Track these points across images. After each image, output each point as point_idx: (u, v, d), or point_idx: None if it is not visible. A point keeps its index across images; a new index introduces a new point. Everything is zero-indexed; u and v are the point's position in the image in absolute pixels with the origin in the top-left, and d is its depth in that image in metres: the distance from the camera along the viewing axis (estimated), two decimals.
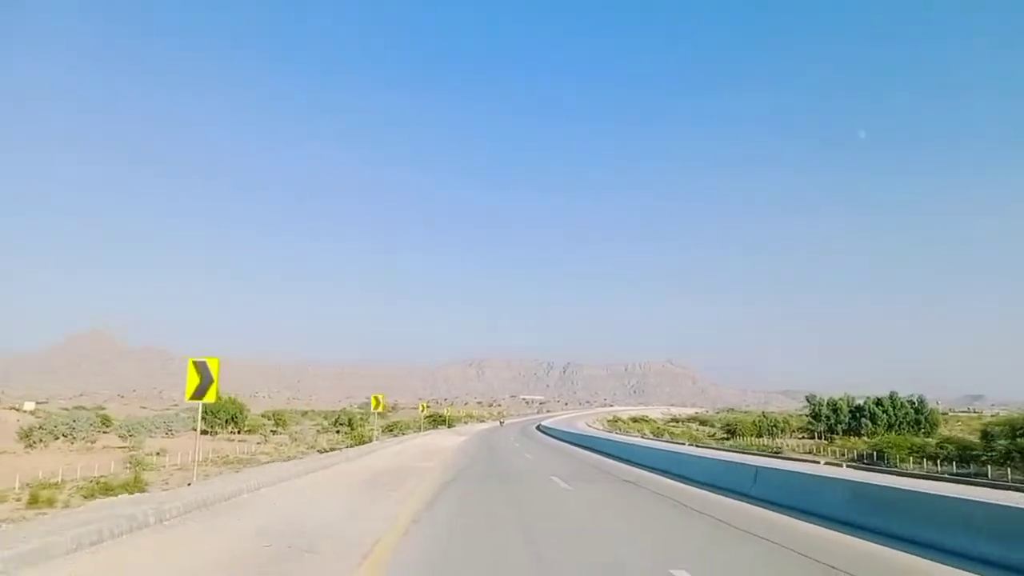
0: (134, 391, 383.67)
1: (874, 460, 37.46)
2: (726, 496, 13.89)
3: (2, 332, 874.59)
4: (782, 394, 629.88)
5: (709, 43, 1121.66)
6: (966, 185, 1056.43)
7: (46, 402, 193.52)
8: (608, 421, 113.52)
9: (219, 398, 79.30)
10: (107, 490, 22.00)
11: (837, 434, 65.29)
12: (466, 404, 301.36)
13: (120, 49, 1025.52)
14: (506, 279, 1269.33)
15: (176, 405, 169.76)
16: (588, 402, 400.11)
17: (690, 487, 15.75)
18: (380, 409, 35.89)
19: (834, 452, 46.56)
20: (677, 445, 36.71)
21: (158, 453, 42.40)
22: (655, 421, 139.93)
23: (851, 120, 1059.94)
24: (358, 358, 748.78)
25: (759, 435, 71.07)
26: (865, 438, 63.31)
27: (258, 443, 52.06)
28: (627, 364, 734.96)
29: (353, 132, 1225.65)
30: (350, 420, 61.28)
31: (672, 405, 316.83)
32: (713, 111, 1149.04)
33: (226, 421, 71.71)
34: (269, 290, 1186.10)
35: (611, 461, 25.19)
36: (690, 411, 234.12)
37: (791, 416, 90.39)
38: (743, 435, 70.76)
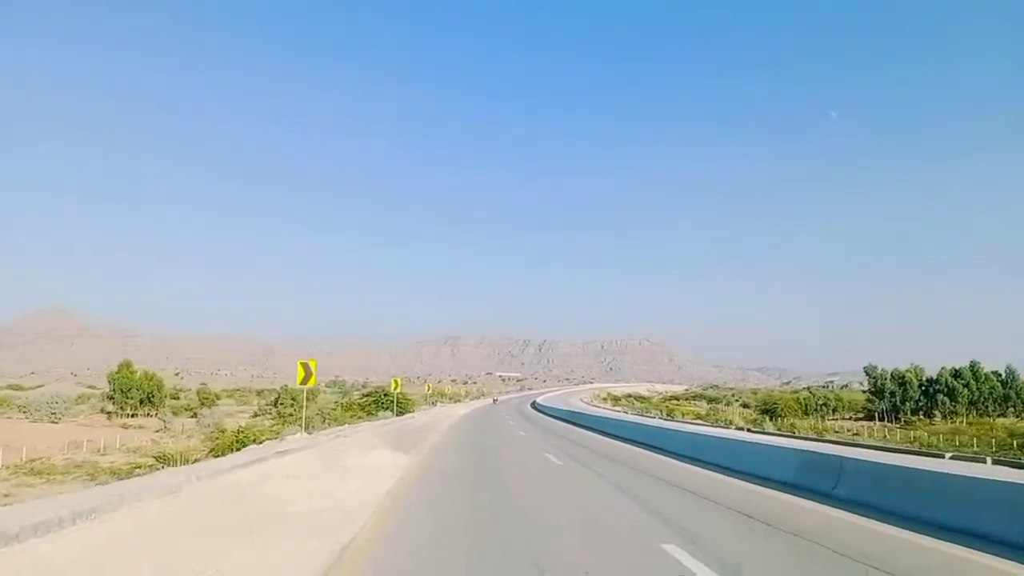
0: (88, 369, 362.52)
1: None
2: None
3: None
4: (758, 371, 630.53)
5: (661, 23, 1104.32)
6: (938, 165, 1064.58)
7: None
8: (615, 398, 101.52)
9: (134, 372, 64.36)
10: None
11: (904, 413, 52.92)
12: (440, 382, 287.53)
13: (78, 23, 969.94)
14: (480, 257, 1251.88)
15: None
16: (566, 380, 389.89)
17: None
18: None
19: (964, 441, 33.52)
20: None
21: None
22: (650, 398, 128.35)
23: (827, 99, 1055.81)
24: (330, 336, 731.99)
25: (805, 415, 58.73)
26: (940, 420, 50.73)
27: (157, 430, 37.59)
28: (603, 341, 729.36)
29: (324, 106, 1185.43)
30: (293, 399, 46.76)
31: (650, 382, 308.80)
32: (690, 92, 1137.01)
33: (140, 401, 56.63)
34: (241, 268, 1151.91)
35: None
36: (676, 388, 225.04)
37: (840, 393, 78.28)
38: (784, 416, 58.33)
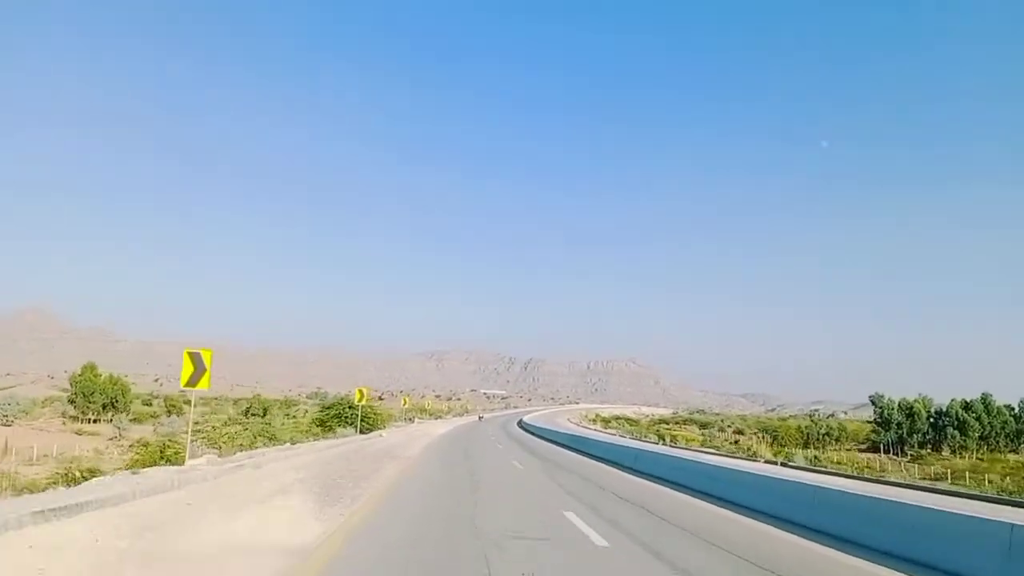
0: (66, 372, 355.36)
1: None
2: None
3: None
4: (742, 397, 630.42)
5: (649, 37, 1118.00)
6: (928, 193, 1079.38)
7: None
8: (605, 420, 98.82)
9: (98, 376, 60.62)
10: None
11: (912, 446, 50.37)
12: (423, 396, 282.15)
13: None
14: (468, 272, 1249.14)
15: None
16: (552, 399, 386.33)
17: None
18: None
19: None
20: None
21: None
22: (639, 421, 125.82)
23: (824, 124, 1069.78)
24: (315, 346, 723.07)
25: (806, 445, 56.16)
26: (949, 454, 48.21)
27: (111, 438, 34.40)
28: (589, 362, 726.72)
29: (316, 112, 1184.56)
30: (265, 410, 43.46)
31: (636, 405, 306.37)
32: (689, 110, 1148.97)
33: (103, 406, 53.17)
34: (226, 274, 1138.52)
35: None
36: (663, 411, 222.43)
37: (843, 422, 75.74)
38: (786, 444, 55.64)
